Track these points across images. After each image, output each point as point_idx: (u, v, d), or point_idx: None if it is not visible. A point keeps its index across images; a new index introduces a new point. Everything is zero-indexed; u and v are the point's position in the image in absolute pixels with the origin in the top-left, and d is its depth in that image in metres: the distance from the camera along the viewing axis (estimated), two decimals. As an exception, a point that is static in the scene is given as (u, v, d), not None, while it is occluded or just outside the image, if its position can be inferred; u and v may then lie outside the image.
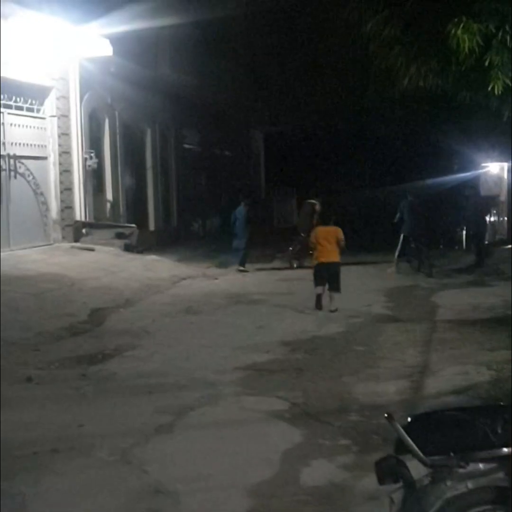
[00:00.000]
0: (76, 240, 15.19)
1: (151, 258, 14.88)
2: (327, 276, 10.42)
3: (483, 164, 26.38)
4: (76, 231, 15.39)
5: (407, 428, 2.83)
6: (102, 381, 6.88)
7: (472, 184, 22.77)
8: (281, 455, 4.94)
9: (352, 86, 26.38)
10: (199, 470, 4.71)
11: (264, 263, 16.06)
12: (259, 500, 4.29)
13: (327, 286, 10.48)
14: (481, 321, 8.92)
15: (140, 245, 16.17)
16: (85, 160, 15.83)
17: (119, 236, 15.81)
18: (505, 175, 25.80)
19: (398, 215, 15.64)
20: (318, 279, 10.47)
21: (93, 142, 16.57)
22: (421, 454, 2.71)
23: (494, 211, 25.32)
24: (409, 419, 2.90)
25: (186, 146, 22.77)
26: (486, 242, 17.52)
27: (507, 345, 7.37)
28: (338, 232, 10.53)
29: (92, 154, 16.08)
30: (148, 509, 4.20)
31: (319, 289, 10.43)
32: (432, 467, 2.73)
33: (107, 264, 13.38)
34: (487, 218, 22.00)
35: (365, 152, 31.81)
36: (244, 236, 15.48)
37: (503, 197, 25.58)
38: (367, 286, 12.24)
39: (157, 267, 13.96)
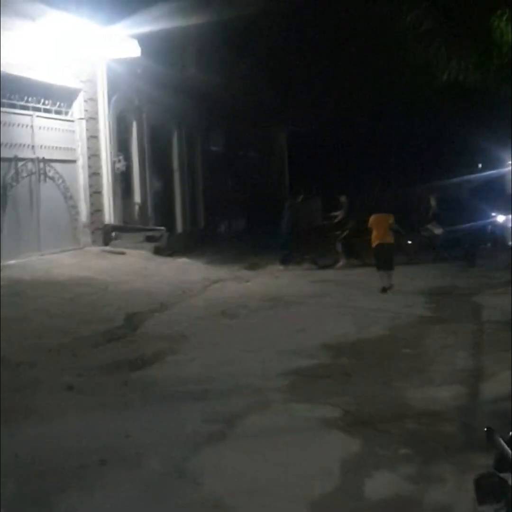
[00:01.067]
0: (105, 244, 15.08)
1: (182, 261, 14.73)
2: (383, 256, 12.13)
3: (509, 162, 26.00)
4: (106, 235, 15.28)
5: (509, 443, 2.59)
6: (144, 388, 6.67)
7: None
8: (340, 466, 4.71)
9: (378, 85, 26.12)
10: (256, 482, 4.50)
11: (295, 265, 15.82)
12: (323, 515, 4.07)
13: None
14: (530, 322, 8.62)
15: (169, 248, 16.03)
16: (113, 163, 15.73)
17: (149, 239, 15.68)
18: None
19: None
20: (378, 260, 12.31)
21: (121, 145, 16.46)
22: None
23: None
24: (511, 434, 2.65)
25: (212, 148, 22.65)
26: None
27: None
28: (390, 218, 12.44)
29: (120, 157, 15.98)
30: (207, 525, 3.99)
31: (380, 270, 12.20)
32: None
33: (138, 268, 13.24)
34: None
35: (390, 152, 31.52)
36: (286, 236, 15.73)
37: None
38: (405, 287, 11.97)
39: (189, 270, 13.79)
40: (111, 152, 15.65)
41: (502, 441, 2.56)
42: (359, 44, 22.57)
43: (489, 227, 17.77)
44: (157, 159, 18.52)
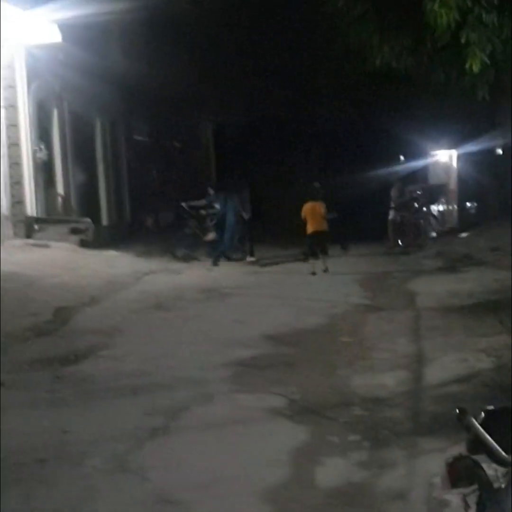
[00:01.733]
0: (28, 237, 14.51)
1: (110, 253, 14.35)
2: (317, 242, 12.79)
3: (432, 153, 26.43)
4: (28, 227, 14.70)
5: (482, 424, 2.50)
6: (79, 383, 6.40)
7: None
8: (290, 455, 4.60)
9: (309, 73, 26.24)
10: (205, 475, 4.34)
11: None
12: (277, 505, 3.95)
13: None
14: (465, 308, 8.73)
15: (96, 240, 15.60)
16: (34, 152, 15.17)
17: (74, 231, 15.19)
18: (454, 163, 25.93)
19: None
20: (312, 247, 13.06)
21: (42, 134, 15.88)
22: (503, 453, 2.39)
23: (443, 200, 25.44)
24: (483, 414, 2.56)
25: (136, 137, 22.21)
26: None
27: (500, 331, 7.19)
28: (323, 206, 13.24)
29: (41, 146, 15.43)
30: (157, 521, 3.81)
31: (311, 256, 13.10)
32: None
33: (65, 261, 12.80)
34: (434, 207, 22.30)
35: (315, 142, 31.64)
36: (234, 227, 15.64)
37: (453, 185, 25.70)
38: (338, 276, 12.03)
39: (118, 263, 13.43)
40: (31, 142, 15.09)
41: (475, 422, 2.48)
42: (288, 31, 22.58)
43: (411, 216, 18.15)
44: (80, 148, 17.98)
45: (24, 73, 14.78)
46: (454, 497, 3.66)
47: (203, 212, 16.55)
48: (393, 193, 17.68)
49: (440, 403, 5.32)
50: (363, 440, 4.77)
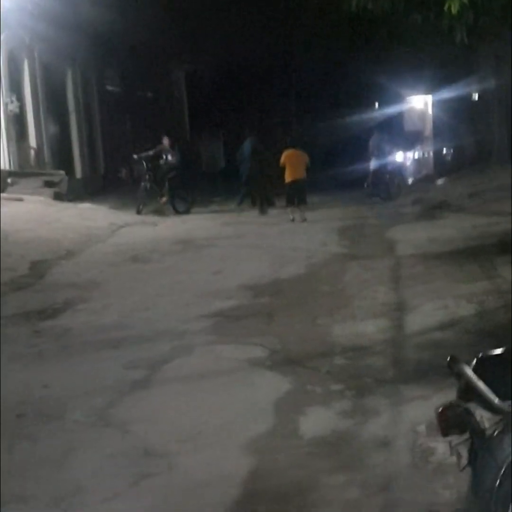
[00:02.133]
0: (2, 191, 14.25)
1: (85, 206, 14.16)
2: (296, 191, 13.02)
3: (407, 99, 26.17)
4: (2, 181, 14.43)
5: (474, 371, 2.47)
6: (58, 337, 6.33)
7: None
8: (273, 405, 4.58)
9: (281, 18, 25.71)
10: (188, 427, 4.31)
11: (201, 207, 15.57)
12: (261, 456, 3.93)
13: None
14: (444, 254, 8.70)
15: (70, 193, 15.36)
16: (5, 105, 14.81)
17: (48, 184, 14.95)
18: (429, 109, 25.75)
19: None
20: (291, 195, 13.20)
21: (13, 86, 15.49)
22: (496, 400, 2.36)
23: (419, 147, 25.33)
24: (475, 361, 2.53)
25: (108, 87, 21.76)
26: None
27: (480, 277, 7.19)
28: (305, 156, 13.32)
29: (13, 98, 15.06)
30: (140, 473, 3.76)
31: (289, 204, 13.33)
32: (506, 413, 2.39)
33: (39, 215, 12.60)
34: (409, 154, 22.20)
35: (290, 88, 31.22)
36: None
37: (428, 132, 25.57)
38: (317, 225, 11.99)
39: (93, 216, 13.26)
40: (2, 94, 14.70)
41: (467, 369, 2.44)
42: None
43: (389, 165, 17.99)
44: (52, 100, 17.58)
45: (-6, 24, 14.31)
46: (439, 445, 3.67)
47: (160, 162, 15.75)
48: (372, 142, 17.46)
49: (422, 350, 5.32)
50: (346, 389, 4.75)
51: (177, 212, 14.76)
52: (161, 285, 8.22)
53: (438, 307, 6.33)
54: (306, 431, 4.21)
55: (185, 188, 15.33)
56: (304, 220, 12.89)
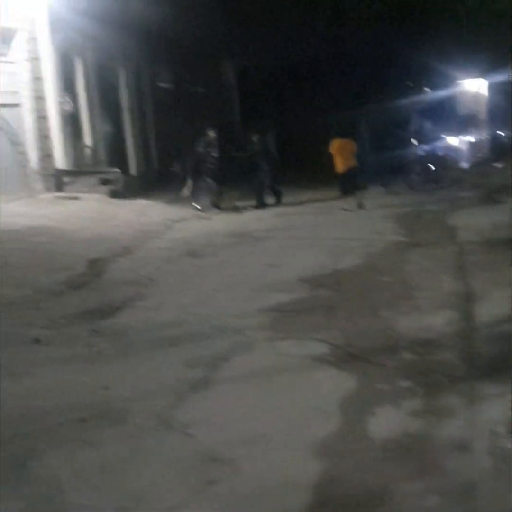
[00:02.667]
0: (58, 190, 14.40)
1: (140, 202, 14.17)
2: (349, 179, 13.20)
3: (459, 82, 25.56)
4: (58, 180, 14.58)
5: None
6: (116, 336, 6.24)
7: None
8: (338, 405, 4.38)
9: (329, 7, 25.40)
10: (252, 430, 4.14)
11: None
12: (330, 460, 3.74)
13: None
14: (509, 241, 8.34)
15: (125, 190, 15.40)
16: (60, 104, 14.92)
17: (103, 182, 15.04)
18: (484, 92, 25.05)
19: None
20: (344, 184, 13.40)
21: (67, 86, 15.60)
22: None
23: (473, 130, 24.67)
24: None
25: (160, 84, 21.78)
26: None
27: (551, 265, 6.85)
28: (353, 144, 13.60)
29: (67, 98, 15.16)
30: (205, 480, 3.61)
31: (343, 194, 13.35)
32: None
33: (95, 212, 12.65)
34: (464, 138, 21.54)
35: (340, 79, 30.81)
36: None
37: (483, 115, 24.88)
38: (372, 213, 11.71)
39: (148, 212, 13.26)
40: (57, 94, 14.81)
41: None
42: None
43: (440, 149, 17.47)
44: (106, 98, 17.69)
45: (47, 25, 14.42)
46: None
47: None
48: (412, 128, 16.80)
49: (494, 343, 5.05)
50: (415, 386, 4.53)
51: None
52: (217, 280, 8.10)
53: (507, 296, 6.02)
54: (376, 432, 4.00)
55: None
56: (361, 206, 12.72)
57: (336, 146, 13.26)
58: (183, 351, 5.64)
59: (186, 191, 14.69)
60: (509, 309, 5.63)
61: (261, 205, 14.40)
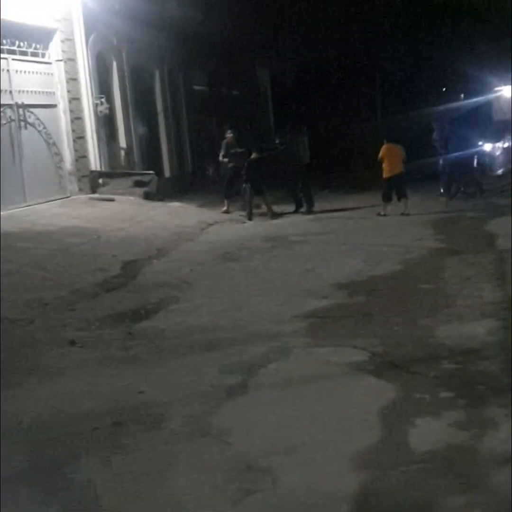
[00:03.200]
0: (93, 191, 14.47)
1: (174, 205, 14.17)
2: (395, 185, 12.91)
3: (496, 88, 25.32)
4: (93, 182, 14.65)
5: None
6: (152, 339, 6.21)
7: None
8: (378, 415, 4.29)
9: (362, 14, 25.29)
10: (290, 438, 4.07)
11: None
12: (370, 472, 3.65)
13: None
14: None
15: (160, 192, 15.43)
16: (96, 106, 14.98)
17: (138, 184, 15.06)
18: (520, 98, 24.73)
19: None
20: (390, 190, 12.98)
21: (102, 87, 15.66)
22: None
23: (509, 137, 24.34)
24: None
25: (195, 87, 21.80)
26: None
27: None
28: (402, 150, 13.19)
29: (102, 100, 15.21)
30: (243, 490, 3.54)
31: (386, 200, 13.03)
32: None
33: (130, 214, 12.68)
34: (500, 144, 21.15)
35: (374, 83, 30.63)
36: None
37: (519, 121, 24.56)
38: (410, 219, 11.56)
39: (182, 214, 13.25)
40: (92, 95, 14.89)
41: None
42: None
43: (476, 156, 17.10)
44: (140, 100, 17.74)
45: (82, 25, 14.51)
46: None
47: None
48: (436, 136, 16.06)
49: (538, 354, 4.91)
50: (457, 397, 4.42)
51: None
52: (252, 284, 8.04)
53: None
54: (418, 444, 3.90)
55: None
56: (407, 213, 12.63)
57: (384, 151, 13.11)
58: (219, 356, 5.59)
59: (225, 209, 14.15)
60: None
61: (299, 209, 14.12)
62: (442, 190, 14.97)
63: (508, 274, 7.31)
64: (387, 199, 12.92)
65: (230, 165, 14.53)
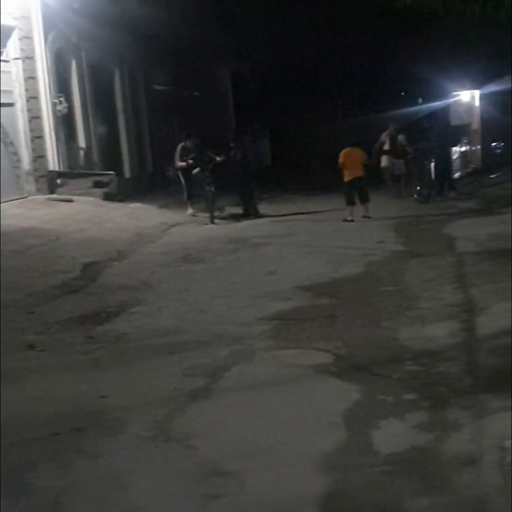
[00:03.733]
0: (51, 192, 14.26)
1: (135, 206, 14.06)
2: (356, 190, 12.76)
3: (454, 93, 25.71)
4: (51, 182, 14.44)
5: None
6: (113, 342, 6.14)
7: (433, 114, 22.01)
8: (343, 417, 4.28)
9: (324, 18, 25.41)
10: (254, 442, 4.04)
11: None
12: (335, 474, 3.63)
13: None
14: (509, 252, 8.28)
15: (120, 193, 15.28)
16: (54, 105, 14.79)
17: (97, 185, 14.90)
18: (477, 103, 25.14)
19: None
20: (351, 194, 12.81)
21: (61, 86, 15.48)
22: None
23: (466, 141, 24.73)
24: None
25: (156, 87, 21.66)
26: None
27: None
28: (363, 154, 13.12)
29: (61, 99, 15.02)
30: (208, 494, 3.50)
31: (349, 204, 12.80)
32: None
33: (89, 215, 12.54)
34: (456, 148, 21.47)
35: (335, 87, 30.82)
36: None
37: (475, 125, 24.95)
38: (370, 222, 11.63)
39: (143, 216, 13.16)
40: (51, 94, 14.69)
41: None
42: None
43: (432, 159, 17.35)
44: (100, 100, 17.55)
45: (40, 23, 14.32)
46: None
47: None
48: (382, 138, 16.28)
49: (499, 356, 4.96)
50: (420, 399, 4.43)
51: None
52: (215, 286, 8.00)
53: (509, 308, 5.94)
54: (382, 446, 3.90)
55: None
56: (369, 217, 12.58)
57: (345, 155, 12.93)
58: (182, 359, 5.54)
59: (190, 210, 14.18)
60: (510, 322, 5.55)
61: (247, 213, 13.95)
62: (399, 189, 15.30)
63: (468, 277, 7.40)
64: (350, 203, 12.77)
65: (194, 169, 14.40)
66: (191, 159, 14.39)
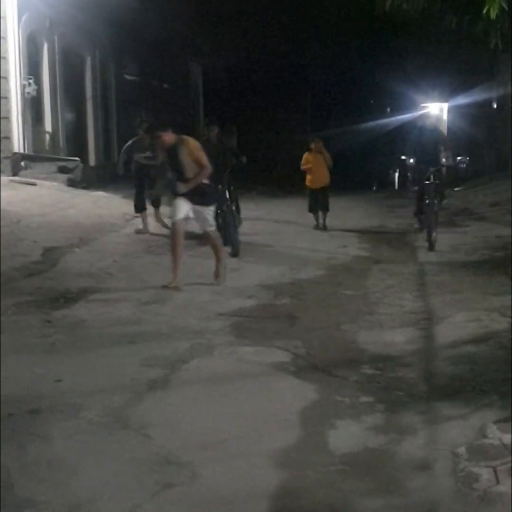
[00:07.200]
0: (14, 174, 14.06)
1: (98, 194, 13.92)
2: (319, 197, 12.09)
3: (422, 105, 26.06)
4: (15, 164, 14.24)
5: None
6: (71, 328, 6.08)
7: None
8: (299, 415, 4.31)
9: (297, 15, 25.53)
10: (210, 434, 4.05)
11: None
12: (289, 471, 3.66)
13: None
14: (470, 263, 8.45)
15: (84, 180, 15.13)
16: (23, 86, 14.59)
17: (62, 170, 14.75)
18: (445, 116, 25.54)
19: None
20: (314, 201, 12.17)
21: (32, 68, 15.28)
22: None
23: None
24: None
25: (126, 76, 21.51)
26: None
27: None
28: (328, 158, 12.10)
29: (31, 81, 14.83)
30: (161, 483, 3.49)
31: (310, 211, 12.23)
32: None
33: (52, 200, 12.38)
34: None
35: (305, 91, 30.95)
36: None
37: (442, 139, 25.30)
38: (336, 227, 11.72)
39: (106, 204, 13.03)
40: (21, 75, 14.48)
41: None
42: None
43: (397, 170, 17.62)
44: (70, 85, 17.38)
45: (15, 4, 14.12)
46: (483, 470, 3.43)
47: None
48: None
49: (456, 365, 5.04)
50: (376, 402, 4.48)
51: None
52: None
53: (470, 319, 6.06)
54: (337, 446, 3.94)
55: None
56: (324, 227, 12.00)
57: (308, 161, 12.00)
58: (141, 349, 5.52)
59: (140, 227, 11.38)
60: (469, 332, 5.67)
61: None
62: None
63: (429, 286, 7.51)
64: (313, 210, 12.14)
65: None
66: (146, 157, 11.06)
